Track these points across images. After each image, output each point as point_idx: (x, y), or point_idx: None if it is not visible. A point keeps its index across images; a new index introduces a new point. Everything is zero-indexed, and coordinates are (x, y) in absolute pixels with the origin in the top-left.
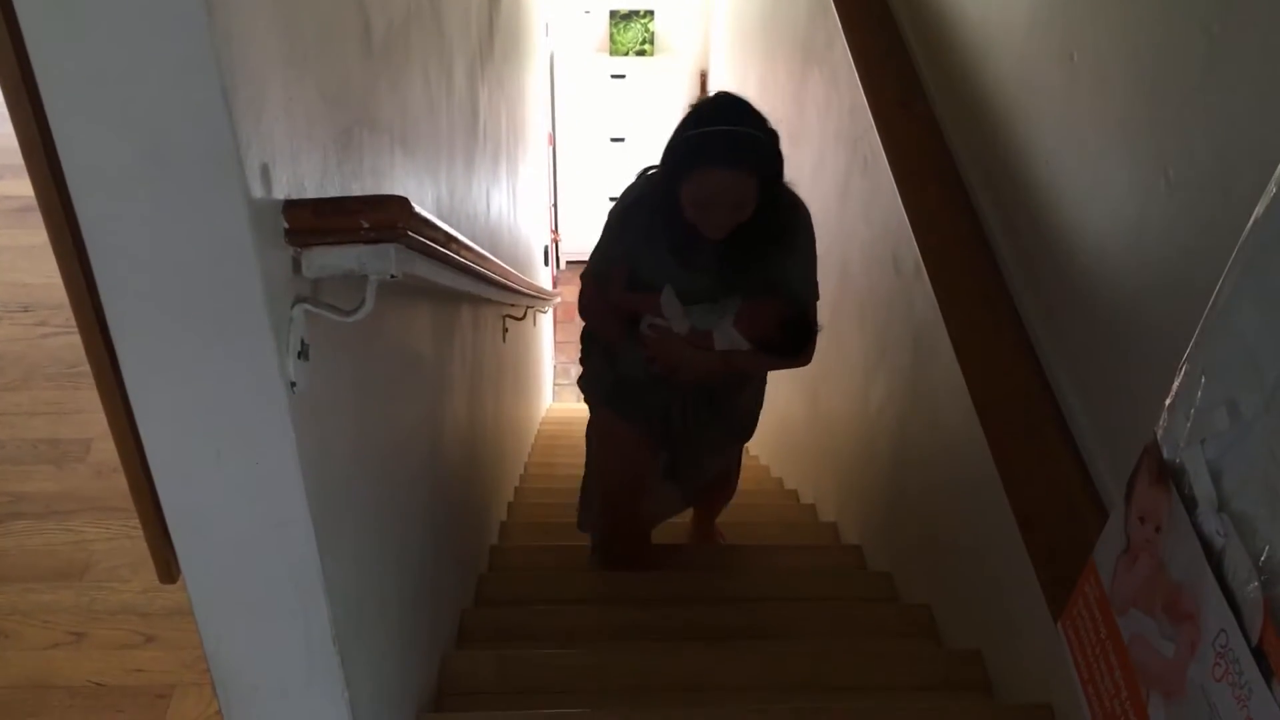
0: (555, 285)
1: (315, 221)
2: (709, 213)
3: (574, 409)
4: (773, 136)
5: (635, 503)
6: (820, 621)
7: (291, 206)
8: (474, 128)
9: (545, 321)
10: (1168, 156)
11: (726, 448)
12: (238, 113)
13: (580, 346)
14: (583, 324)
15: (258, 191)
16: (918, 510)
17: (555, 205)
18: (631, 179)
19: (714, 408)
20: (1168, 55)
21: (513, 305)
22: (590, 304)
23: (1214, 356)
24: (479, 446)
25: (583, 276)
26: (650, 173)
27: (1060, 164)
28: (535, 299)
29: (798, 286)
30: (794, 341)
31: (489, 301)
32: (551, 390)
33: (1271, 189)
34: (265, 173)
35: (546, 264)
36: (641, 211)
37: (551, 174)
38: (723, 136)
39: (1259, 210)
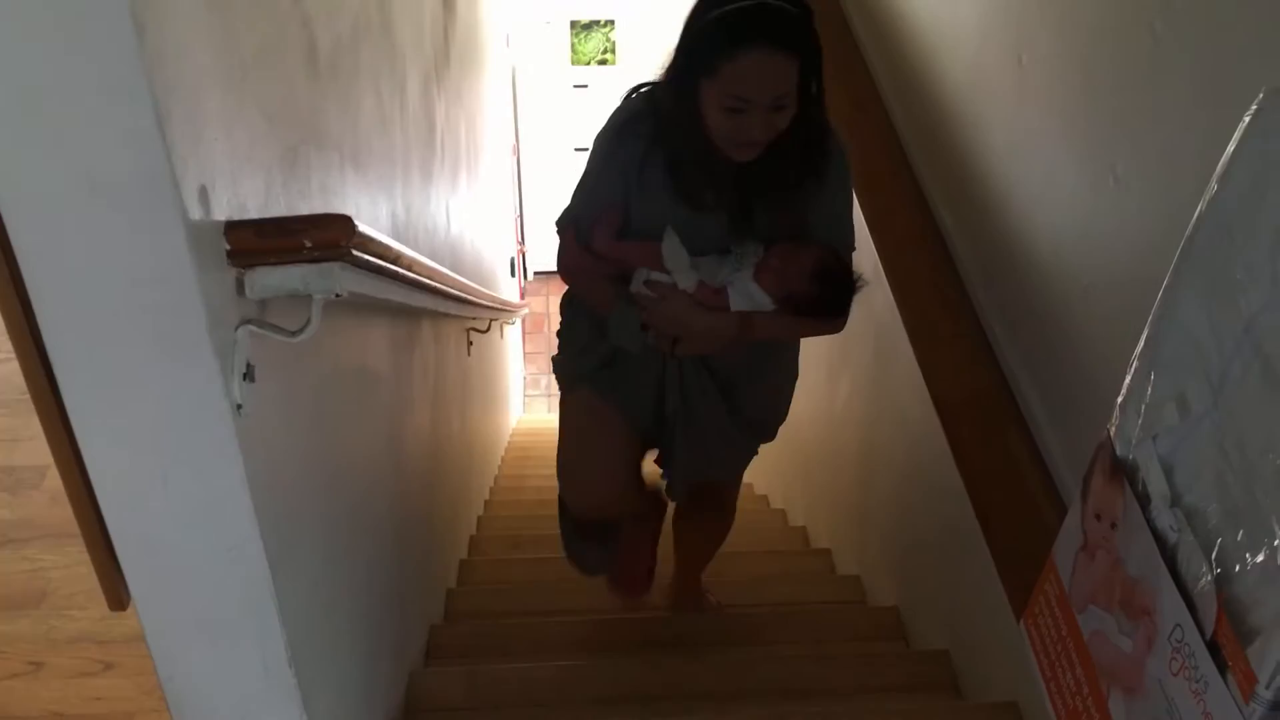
0: (523, 296)
1: (258, 242)
2: (743, 119)
3: (545, 420)
4: (812, 16)
5: (620, 512)
6: (790, 626)
7: (233, 228)
8: (431, 141)
9: (513, 333)
10: (1115, 155)
11: (737, 445)
12: (173, 135)
13: (561, 317)
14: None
15: (196, 214)
16: (885, 512)
17: (521, 217)
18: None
19: (727, 391)
20: (1113, 55)
21: (475, 318)
22: (571, 259)
23: (1163, 352)
24: (444, 460)
25: (559, 225)
26: (643, 90)
27: (1012, 164)
28: (500, 311)
29: (831, 230)
30: (833, 298)
31: (450, 315)
32: (522, 402)
33: (1213, 186)
34: (204, 194)
35: (513, 275)
36: (636, 134)
37: (516, 185)
38: (766, 8)
39: (1201, 207)
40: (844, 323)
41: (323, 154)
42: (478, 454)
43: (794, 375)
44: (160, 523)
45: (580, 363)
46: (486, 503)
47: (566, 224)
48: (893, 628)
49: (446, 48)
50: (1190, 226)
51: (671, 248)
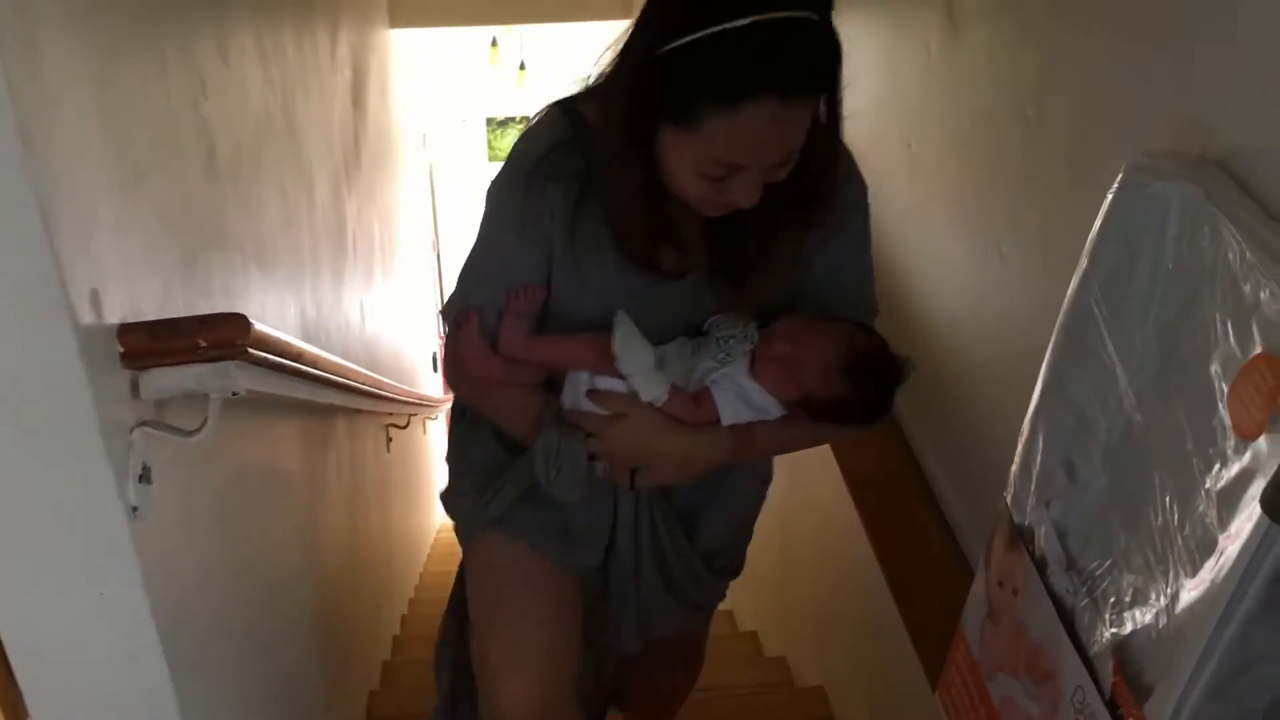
0: (446, 391)
1: (151, 344)
2: (728, 184)
3: None
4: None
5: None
6: (717, 712)
7: (126, 330)
8: (342, 240)
9: (436, 428)
10: (1000, 234)
11: (703, 592)
12: (61, 239)
13: (450, 434)
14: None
15: (87, 317)
16: (805, 591)
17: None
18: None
19: (685, 516)
20: (991, 139)
21: (394, 414)
22: (471, 365)
23: (1050, 420)
24: (364, 559)
25: (448, 317)
26: (570, 106)
27: (906, 242)
28: (420, 406)
29: (850, 291)
30: (872, 396)
31: (366, 411)
32: None
33: (1083, 262)
34: (95, 298)
35: (435, 370)
36: (559, 174)
37: (437, 281)
38: (791, 29)
39: (1074, 282)
40: (881, 422)
41: (224, 255)
42: (399, 551)
43: (767, 477)
44: (56, 631)
45: (486, 503)
46: (411, 601)
47: (460, 315)
48: (819, 709)
49: (357, 148)
50: (1066, 301)
51: (626, 339)
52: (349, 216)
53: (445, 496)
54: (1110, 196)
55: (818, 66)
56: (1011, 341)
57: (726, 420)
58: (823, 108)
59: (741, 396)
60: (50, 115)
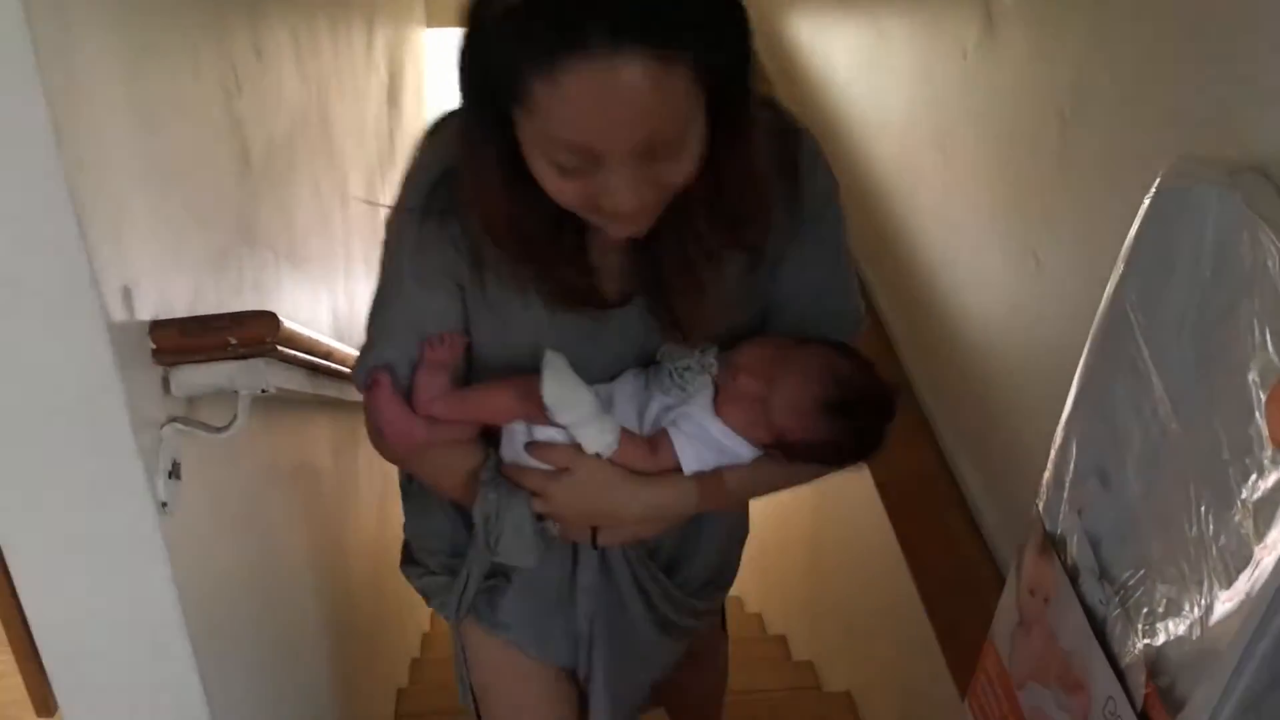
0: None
1: (182, 340)
2: (593, 181)
3: None
4: None
5: None
6: (743, 716)
7: (158, 327)
8: (375, 239)
9: None
10: (1036, 239)
11: (699, 616)
12: (94, 237)
13: (404, 501)
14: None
15: (119, 314)
16: (833, 596)
17: None
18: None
19: (671, 567)
20: (1027, 141)
21: None
22: (393, 426)
23: (1083, 427)
24: (393, 555)
25: (359, 379)
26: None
27: (941, 248)
28: None
29: (823, 299)
30: (858, 432)
31: None
32: None
33: (1119, 267)
34: (127, 295)
35: None
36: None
37: None
38: None
39: (1110, 287)
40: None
41: (255, 252)
42: None
43: (747, 516)
44: (85, 625)
45: (458, 596)
46: None
47: (371, 372)
48: (846, 714)
49: (392, 146)
50: (1101, 306)
51: (558, 384)
52: (383, 215)
53: (409, 572)
54: (1148, 201)
55: (668, 7)
56: (1046, 346)
57: (689, 468)
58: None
59: (704, 439)
60: (84, 112)
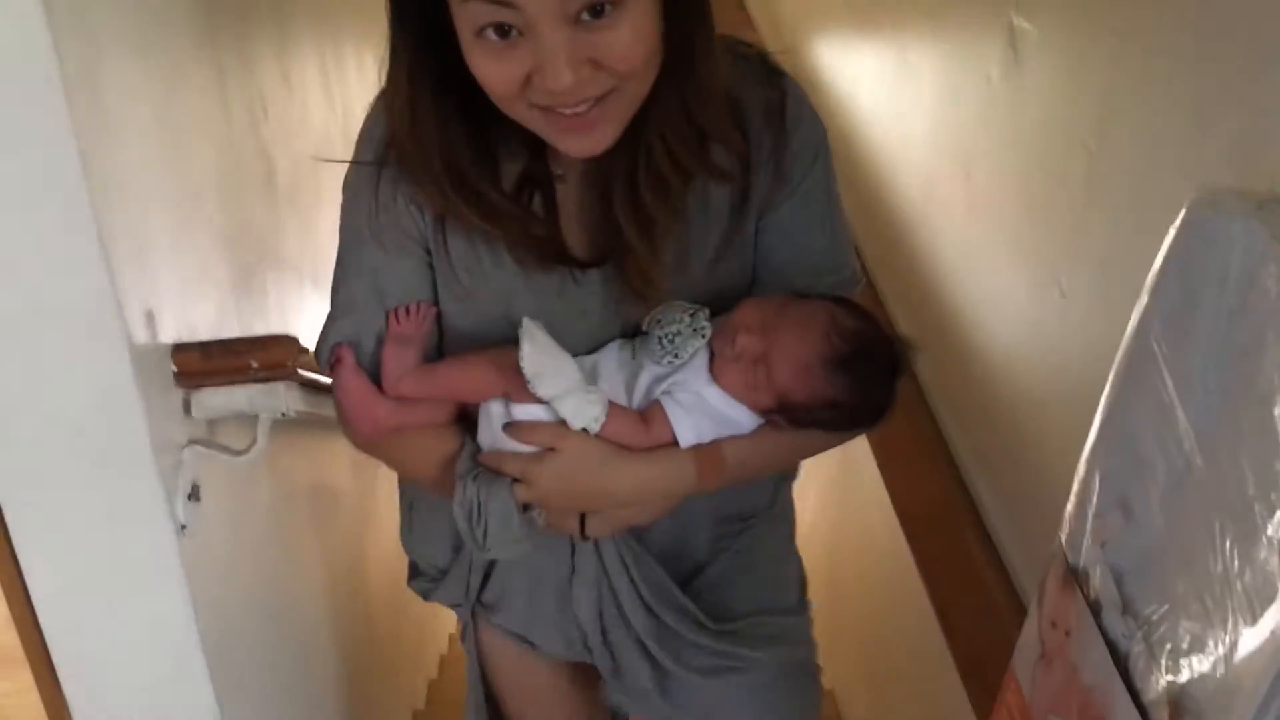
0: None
1: (204, 364)
2: (520, 53)
3: None
4: None
5: None
6: None
7: (180, 350)
8: None
9: None
10: (1060, 268)
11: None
12: (118, 260)
13: (400, 500)
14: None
15: (141, 337)
16: (853, 625)
17: None
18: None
19: (689, 585)
20: (1052, 170)
21: None
22: (358, 410)
23: (1107, 459)
24: None
25: (321, 356)
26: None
27: (964, 274)
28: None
29: (820, 252)
30: (865, 392)
31: None
32: None
33: (1143, 298)
34: (150, 318)
35: None
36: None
37: None
38: None
39: (1134, 318)
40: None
41: (280, 275)
42: None
43: (791, 517)
44: (104, 648)
45: (454, 580)
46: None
47: (334, 351)
48: None
49: None
50: (1126, 338)
51: (539, 354)
52: None
53: (415, 585)
54: (1173, 232)
55: None
56: (1069, 376)
57: (685, 441)
58: None
59: (702, 408)
60: (110, 136)
